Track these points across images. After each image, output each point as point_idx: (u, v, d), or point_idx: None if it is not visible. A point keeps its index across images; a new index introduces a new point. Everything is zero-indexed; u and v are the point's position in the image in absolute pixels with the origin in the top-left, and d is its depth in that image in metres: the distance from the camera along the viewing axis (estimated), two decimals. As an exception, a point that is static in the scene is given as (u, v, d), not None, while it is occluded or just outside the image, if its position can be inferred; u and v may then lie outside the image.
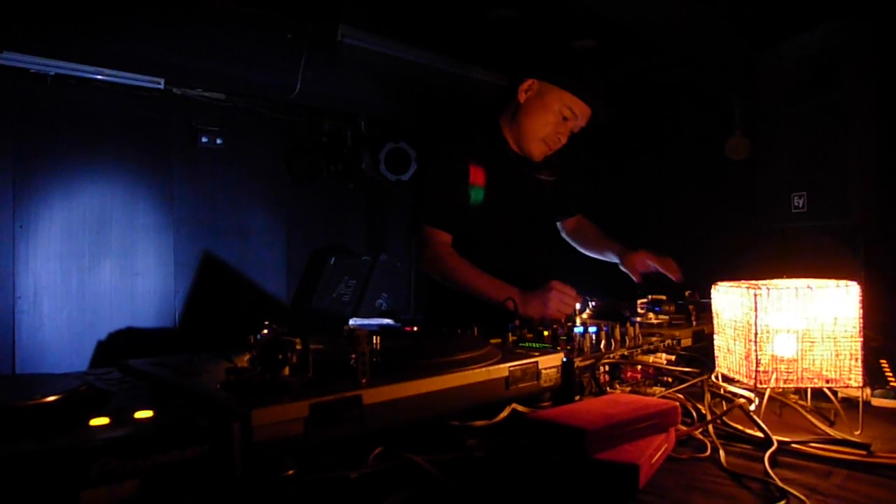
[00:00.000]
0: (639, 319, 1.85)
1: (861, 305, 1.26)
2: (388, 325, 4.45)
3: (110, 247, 4.22)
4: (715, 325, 1.47)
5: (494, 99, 2.44)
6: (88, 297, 4.12)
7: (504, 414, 1.19)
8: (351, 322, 4.61)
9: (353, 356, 1.01)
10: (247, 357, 1.05)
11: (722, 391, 1.38)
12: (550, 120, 2.21)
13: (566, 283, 1.93)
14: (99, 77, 3.95)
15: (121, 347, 4.14)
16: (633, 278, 2.36)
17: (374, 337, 1.16)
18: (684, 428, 1.18)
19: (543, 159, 2.32)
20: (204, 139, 4.53)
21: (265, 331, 1.02)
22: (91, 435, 0.75)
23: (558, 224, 2.67)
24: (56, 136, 3.99)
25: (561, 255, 2.62)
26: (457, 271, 2.11)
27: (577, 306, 1.93)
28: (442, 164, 2.25)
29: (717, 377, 1.43)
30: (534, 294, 1.94)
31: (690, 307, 1.95)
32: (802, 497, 0.90)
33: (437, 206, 2.19)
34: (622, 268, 2.44)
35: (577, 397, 1.33)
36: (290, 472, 0.87)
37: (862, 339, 1.25)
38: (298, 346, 1.00)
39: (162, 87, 4.21)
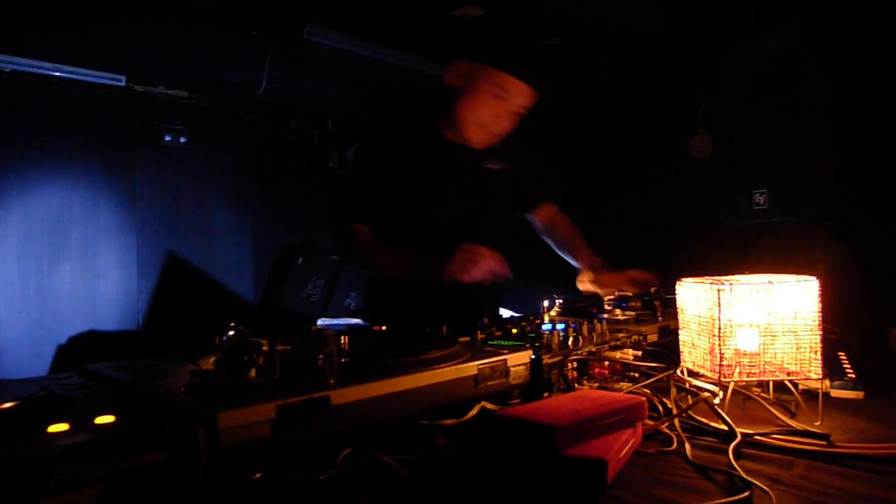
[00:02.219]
0: (606, 316, 1.87)
1: (820, 299, 1.29)
2: (356, 325, 4.43)
3: (70, 248, 4.13)
4: (680, 321, 1.49)
5: (436, 88, 2.33)
6: (47, 299, 4.02)
7: (473, 412, 1.19)
8: (319, 322, 4.57)
9: (321, 357, 1.00)
10: (212, 359, 1.03)
11: (687, 385, 1.40)
12: (483, 101, 2.09)
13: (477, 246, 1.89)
14: (57, 74, 3.85)
15: (82, 351, 4.05)
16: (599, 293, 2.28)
17: (343, 337, 1.15)
18: (651, 422, 1.19)
19: (490, 147, 2.21)
20: (167, 138, 4.46)
21: (231, 332, 1.00)
22: (50, 442, 0.73)
23: (532, 220, 2.55)
24: (12, 134, 3.88)
25: (529, 251, 2.57)
26: (380, 255, 2.05)
27: (546, 303, 1.94)
28: (365, 158, 2.16)
29: (682, 372, 1.46)
30: (448, 258, 1.89)
31: (656, 303, 1.98)
32: (765, 488, 0.91)
33: (358, 201, 2.10)
34: (580, 286, 2.36)
35: (546, 394, 1.34)
36: (258, 475, 0.86)
37: (821, 333, 1.28)
38: (265, 348, 0.99)
39: (123, 84, 4.12)
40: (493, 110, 2.11)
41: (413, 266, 2.00)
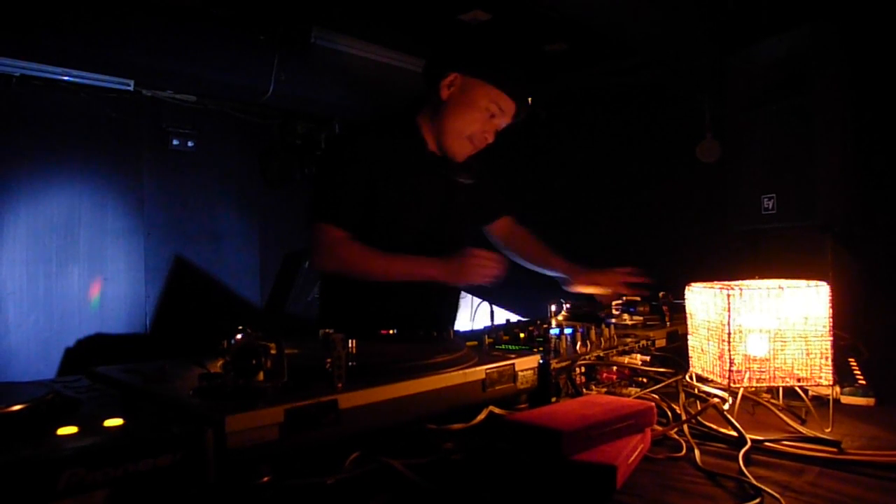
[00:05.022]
0: (614, 321, 1.86)
1: (831, 305, 1.28)
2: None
3: (78, 251, 4.14)
4: (689, 326, 1.49)
5: (421, 94, 2.27)
6: (56, 303, 4.04)
7: (481, 417, 1.18)
8: (326, 326, 4.57)
9: (329, 360, 1.00)
10: (220, 362, 1.03)
11: (696, 391, 1.40)
12: (477, 117, 2.05)
13: (481, 248, 1.89)
14: (66, 78, 3.88)
15: (90, 354, 4.06)
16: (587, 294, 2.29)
17: (350, 341, 1.15)
18: (660, 428, 1.19)
19: (463, 161, 2.16)
20: (175, 142, 4.47)
21: (239, 335, 1.00)
22: (58, 444, 0.73)
23: (487, 233, 2.49)
24: (21, 138, 3.90)
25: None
26: (364, 258, 1.97)
27: (553, 307, 1.93)
28: (341, 160, 2.09)
29: (691, 377, 1.45)
30: (453, 259, 1.90)
31: (664, 308, 1.97)
32: (776, 495, 0.91)
33: (331, 203, 2.02)
34: (566, 287, 2.34)
35: (554, 399, 1.33)
36: (266, 478, 0.86)
37: (832, 339, 1.27)
38: (273, 351, 0.99)
39: (132, 88, 4.15)
40: (483, 126, 2.07)
41: (412, 271, 1.96)
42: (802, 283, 1.31)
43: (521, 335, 1.55)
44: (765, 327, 1.29)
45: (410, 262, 1.97)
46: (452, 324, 2.31)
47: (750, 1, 3.16)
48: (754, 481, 0.95)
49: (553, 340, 1.46)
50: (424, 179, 2.14)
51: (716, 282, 1.42)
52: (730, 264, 2.97)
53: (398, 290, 1.98)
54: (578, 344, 1.48)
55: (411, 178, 2.11)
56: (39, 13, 3.11)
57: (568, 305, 2.03)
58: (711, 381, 1.37)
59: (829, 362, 1.27)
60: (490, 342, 1.50)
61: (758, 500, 0.89)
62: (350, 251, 1.98)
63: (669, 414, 1.29)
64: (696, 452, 1.08)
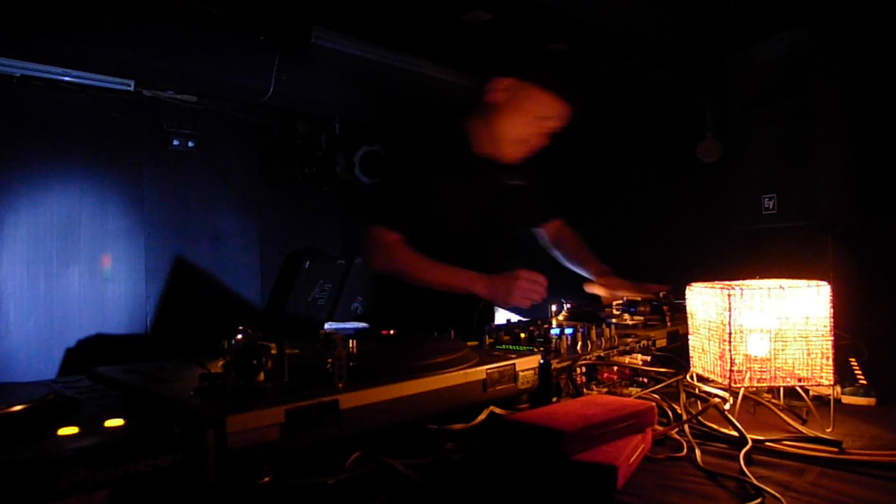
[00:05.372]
0: (614, 320, 1.86)
1: (831, 305, 1.28)
2: (363, 329, 4.43)
3: (79, 252, 4.14)
4: (689, 326, 1.49)
5: (467, 101, 2.37)
6: (56, 303, 4.04)
7: (482, 417, 1.18)
8: (327, 326, 4.57)
9: (330, 361, 1.00)
10: (221, 363, 1.03)
11: (697, 391, 1.40)
12: (530, 121, 2.15)
13: (535, 272, 1.92)
14: (67, 79, 3.88)
15: (90, 354, 4.06)
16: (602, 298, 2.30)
17: (350, 341, 1.15)
18: (660, 428, 1.19)
19: (513, 164, 2.25)
20: (175, 142, 4.47)
21: (239, 336, 1.00)
22: (59, 445, 0.73)
23: (538, 235, 2.59)
24: (22, 138, 3.90)
25: (540, 258, 2.58)
26: (412, 264, 2.07)
27: (554, 307, 1.93)
28: (398, 165, 2.21)
29: (692, 377, 1.45)
30: (501, 279, 1.94)
31: (665, 308, 1.97)
32: (777, 495, 0.91)
33: (388, 207, 2.13)
34: (588, 289, 2.38)
35: (555, 399, 1.33)
36: (266, 479, 0.86)
37: (832, 338, 1.27)
38: (273, 351, 0.99)
39: (132, 88, 4.15)
40: (532, 129, 2.16)
41: (457, 284, 2.01)
42: (803, 282, 1.31)
43: (522, 335, 1.55)
44: (766, 327, 1.29)
45: (456, 275, 2.02)
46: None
47: (750, 1, 3.16)
48: (755, 481, 0.95)
49: (554, 340, 1.46)
50: (474, 181, 2.22)
51: (716, 282, 1.42)
52: (730, 264, 2.97)
53: (447, 296, 2.03)
54: (579, 344, 1.48)
55: (461, 180, 2.19)
56: (40, 13, 3.11)
57: (569, 305, 2.03)
58: (712, 381, 1.37)
59: (830, 362, 1.27)
60: (491, 342, 1.50)
61: (759, 501, 0.89)
62: (401, 255, 2.07)
63: (670, 414, 1.29)
64: (697, 452, 1.08)
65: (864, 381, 1.46)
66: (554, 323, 1.71)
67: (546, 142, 2.23)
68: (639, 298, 2.03)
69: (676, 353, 1.61)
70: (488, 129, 2.20)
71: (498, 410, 1.21)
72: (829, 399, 1.28)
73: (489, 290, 1.96)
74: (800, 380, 1.29)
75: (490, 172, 2.26)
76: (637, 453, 1.03)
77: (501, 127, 2.18)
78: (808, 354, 1.28)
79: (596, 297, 2.35)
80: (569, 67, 4.39)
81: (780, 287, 1.29)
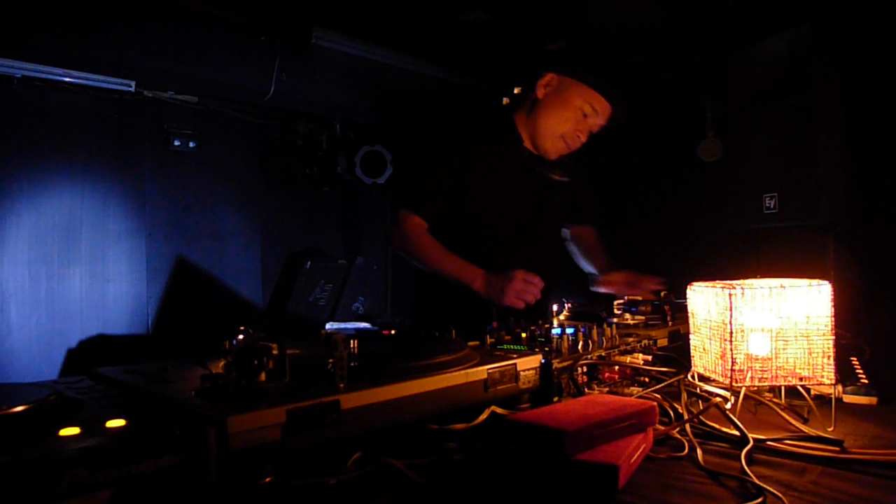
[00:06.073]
0: (615, 320, 1.86)
1: (833, 304, 1.28)
2: (365, 329, 4.43)
3: (80, 252, 4.14)
4: (690, 325, 1.48)
5: (468, 101, 2.39)
6: (58, 303, 4.04)
7: (483, 417, 1.18)
8: (328, 326, 4.58)
9: (331, 361, 1.00)
10: (222, 363, 1.03)
11: (698, 390, 1.40)
12: (570, 116, 2.15)
13: (532, 273, 1.92)
14: (68, 79, 3.88)
15: (92, 355, 4.06)
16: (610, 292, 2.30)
17: (352, 341, 1.15)
18: (662, 427, 1.19)
19: (558, 159, 2.26)
20: (176, 142, 4.47)
21: (241, 336, 1.00)
22: (61, 445, 0.73)
23: (565, 234, 2.58)
24: (23, 139, 3.90)
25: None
26: (424, 250, 2.11)
27: (555, 307, 1.93)
28: (436, 152, 2.22)
29: (693, 376, 1.45)
30: (497, 278, 1.94)
31: (666, 307, 1.97)
32: (779, 494, 0.91)
33: (418, 192, 2.17)
34: (593, 286, 2.39)
35: (556, 399, 1.33)
36: (268, 479, 0.86)
37: (834, 337, 1.27)
38: (275, 352, 0.99)
39: (133, 89, 4.15)
40: (577, 125, 2.17)
41: (458, 275, 2.03)
42: (804, 282, 1.31)
43: (523, 335, 1.55)
44: (767, 326, 1.29)
45: (461, 269, 2.04)
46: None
47: (751, 0, 3.16)
48: (756, 480, 0.95)
49: (555, 340, 1.46)
50: (518, 174, 2.24)
51: (718, 281, 1.42)
52: (731, 263, 2.97)
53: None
54: (580, 343, 1.48)
55: (505, 172, 2.22)
56: (41, 14, 3.11)
57: (570, 305, 2.03)
58: (713, 380, 1.37)
59: (832, 361, 1.27)
60: (492, 342, 1.50)
61: (760, 500, 0.89)
62: (417, 240, 2.11)
63: (671, 413, 1.29)
64: (699, 452, 1.08)
65: (866, 381, 1.46)
66: (555, 322, 1.71)
67: (585, 139, 2.23)
68: (639, 298, 2.03)
69: (678, 353, 1.61)
70: (531, 123, 2.23)
71: (499, 410, 1.21)
72: (831, 398, 1.28)
73: (485, 287, 1.96)
74: (801, 379, 1.29)
75: (537, 167, 2.26)
76: (638, 453, 1.03)
77: (543, 122, 2.19)
78: (810, 353, 1.28)
79: (600, 297, 2.35)
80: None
81: (782, 286, 1.29)
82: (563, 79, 2.16)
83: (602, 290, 2.35)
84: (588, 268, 2.49)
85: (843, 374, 1.46)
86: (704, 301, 1.41)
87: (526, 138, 2.26)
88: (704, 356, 1.41)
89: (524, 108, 2.26)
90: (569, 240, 2.58)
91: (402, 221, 2.14)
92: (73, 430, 0.78)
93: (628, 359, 1.56)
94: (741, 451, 1.07)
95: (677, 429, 1.19)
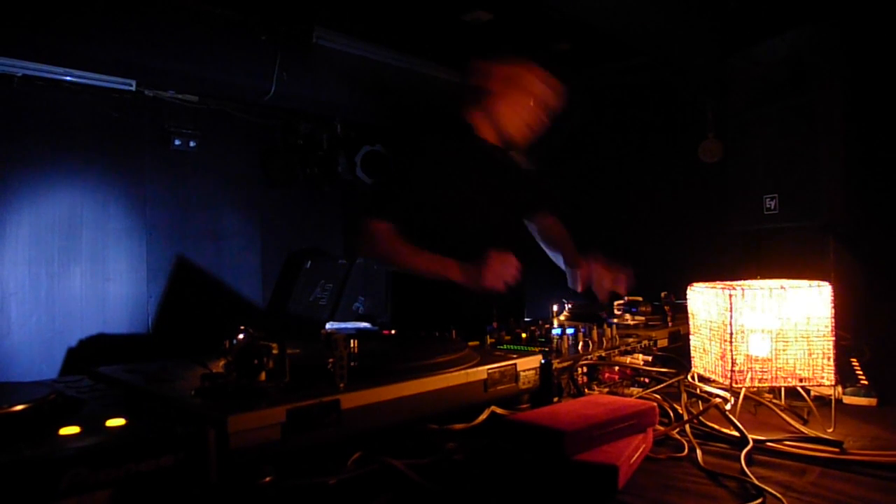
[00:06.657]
0: (615, 321, 1.86)
1: (833, 305, 1.28)
2: (365, 329, 4.43)
3: (81, 252, 4.14)
4: (691, 326, 1.48)
5: (457, 93, 2.39)
6: (58, 302, 4.04)
7: (483, 417, 1.18)
8: (328, 326, 4.57)
9: (331, 360, 1.00)
10: (222, 362, 1.03)
11: (698, 391, 1.39)
12: (527, 102, 2.19)
13: (506, 253, 1.91)
14: (68, 79, 3.88)
15: (92, 354, 4.06)
16: (575, 287, 2.26)
17: (352, 341, 1.15)
18: (662, 428, 1.19)
19: (526, 147, 2.29)
20: (177, 142, 4.47)
21: (241, 335, 1.00)
22: (61, 444, 0.73)
23: (529, 224, 2.55)
24: (24, 138, 3.91)
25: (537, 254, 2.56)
26: (395, 250, 2.08)
27: (555, 307, 1.93)
28: (402, 164, 2.23)
29: (693, 377, 1.45)
30: (472, 264, 1.92)
31: (666, 308, 1.97)
32: (778, 495, 0.90)
33: (381, 201, 2.15)
34: (571, 285, 2.33)
35: (556, 399, 1.33)
36: (268, 478, 0.86)
37: (834, 339, 1.27)
38: (275, 351, 0.99)
39: (133, 88, 4.15)
40: (532, 112, 2.21)
41: (433, 269, 2.01)
42: (804, 283, 1.31)
43: (523, 335, 1.55)
44: (767, 327, 1.29)
45: (434, 262, 2.02)
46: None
47: (752, 1, 3.16)
48: (756, 481, 0.95)
49: (555, 340, 1.46)
50: (488, 172, 2.24)
51: (718, 282, 1.42)
52: (732, 264, 2.98)
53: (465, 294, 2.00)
54: (580, 344, 1.48)
55: (477, 173, 2.21)
56: (41, 13, 3.11)
57: (570, 305, 2.03)
58: (713, 381, 1.37)
59: (832, 362, 1.27)
60: (492, 342, 1.50)
61: (760, 501, 0.89)
62: (385, 242, 2.08)
63: (671, 414, 1.29)
64: (698, 452, 1.08)
65: (866, 382, 1.46)
66: (555, 323, 1.71)
67: (547, 120, 2.26)
68: (640, 298, 2.03)
69: (678, 354, 1.61)
70: (493, 117, 2.23)
71: (499, 410, 1.21)
72: (831, 399, 1.28)
73: (463, 275, 1.94)
74: (801, 380, 1.29)
75: (506, 158, 2.29)
76: (638, 453, 1.03)
77: (502, 112, 2.21)
78: (810, 355, 1.27)
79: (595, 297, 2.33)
80: (571, 67, 4.40)
81: (782, 287, 1.29)
82: (511, 67, 2.20)
83: (579, 288, 2.31)
84: (559, 262, 2.45)
85: (843, 375, 1.46)
86: (705, 302, 1.41)
87: (488, 132, 2.26)
88: (704, 357, 1.41)
89: (478, 103, 2.25)
90: (536, 234, 2.56)
91: (368, 229, 2.11)
92: (73, 430, 0.78)
93: (628, 359, 1.56)
94: (741, 451, 1.06)
95: (677, 429, 1.19)
